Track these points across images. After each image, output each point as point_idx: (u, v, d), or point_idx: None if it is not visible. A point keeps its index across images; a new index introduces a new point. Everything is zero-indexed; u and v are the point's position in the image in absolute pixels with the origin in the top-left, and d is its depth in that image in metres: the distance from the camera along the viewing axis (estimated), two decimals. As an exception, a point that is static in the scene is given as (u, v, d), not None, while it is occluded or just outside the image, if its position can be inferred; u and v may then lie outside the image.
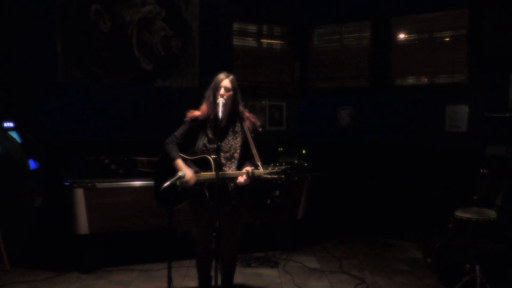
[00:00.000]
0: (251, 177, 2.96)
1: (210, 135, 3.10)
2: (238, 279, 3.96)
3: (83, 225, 4.01)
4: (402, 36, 5.56)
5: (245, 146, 3.11)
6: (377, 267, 4.48)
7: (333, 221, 5.71)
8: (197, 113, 3.16)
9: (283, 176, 2.86)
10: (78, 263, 4.20)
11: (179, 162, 3.04)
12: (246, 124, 3.14)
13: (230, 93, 3.08)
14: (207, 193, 3.01)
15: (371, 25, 5.68)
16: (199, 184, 3.04)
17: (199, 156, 3.09)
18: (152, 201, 3.29)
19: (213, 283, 2.93)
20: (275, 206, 4.51)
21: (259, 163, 2.98)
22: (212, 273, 3.28)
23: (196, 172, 3.04)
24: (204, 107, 3.14)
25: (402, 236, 5.37)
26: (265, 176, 2.93)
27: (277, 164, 2.93)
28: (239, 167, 3.07)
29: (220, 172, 2.88)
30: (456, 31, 5.13)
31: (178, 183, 2.91)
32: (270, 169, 2.91)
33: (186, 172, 2.98)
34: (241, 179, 2.96)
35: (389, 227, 5.49)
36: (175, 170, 3.03)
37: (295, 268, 4.40)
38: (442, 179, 5.10)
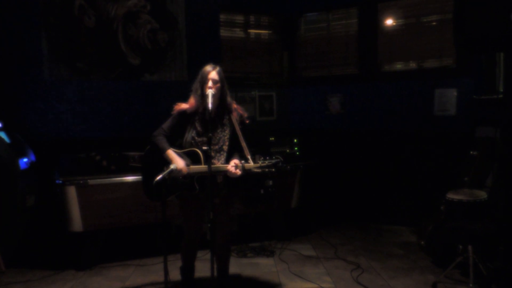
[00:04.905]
0: (241, 170, 2.94)
1: (199, 128, 3.08)
2: (234, 269, 3.98)
3: (77, 223, 4.00)
4: (389, 22, 5.56)
5: (233, 138, 3.08)
6: (371, 252, 4.52)
7: (327, 208, 5.74)
8: (184, 106, 3.12)
9: (273, 169, 2.84)
10: (74, 260, 4.19)
11: (171, 152, 3.02)
12: (234, 116, 3.12)
13: (218, 85, 3.05)
14: (197, 186, 3.01)
15: (358, 12, 5.67)
16: (189, 177, 3.03)
17: (188, 149, 3.07)
18: (146, 196, 3.28)
19: (208, 274, 2.94)
20: (269, 195, 4.53)
21: (249, 156, 2.95)
22: (196, 263, 3.32)
23: (187, 165, 3.02)
24: (192, 100, 3.10)
25: (395, 221, 5.42)
26: (255, 170, 2.91)
27: (267, 157, 2.89)
28: (228, 159, 3.05)
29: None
30: (443, 15, 5.14)
31: (167, 176, 2.89)
32: (260, 162, 2.88)
33: (178, 162, 2.97)
34: (232, 169, 2.93)
35: (382, 213, 5.54)
36: (164, 162, 3.01)
37: (291, 256, 4.44)
38: (433, 163, 5.15)
